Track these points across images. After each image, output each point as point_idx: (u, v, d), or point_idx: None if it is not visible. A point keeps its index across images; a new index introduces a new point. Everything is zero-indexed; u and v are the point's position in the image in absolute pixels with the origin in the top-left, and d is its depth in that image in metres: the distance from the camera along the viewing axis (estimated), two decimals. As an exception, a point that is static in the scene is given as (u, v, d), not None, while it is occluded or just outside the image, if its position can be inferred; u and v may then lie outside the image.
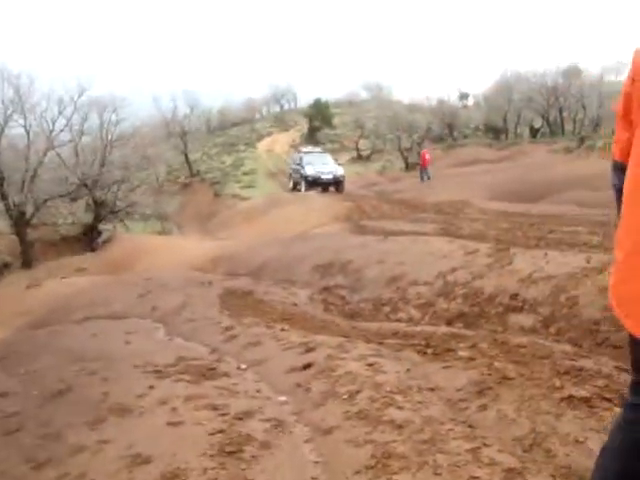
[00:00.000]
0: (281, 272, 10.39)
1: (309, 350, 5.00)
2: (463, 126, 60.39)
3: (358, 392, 3.82)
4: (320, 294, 8.74)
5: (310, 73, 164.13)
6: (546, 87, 48.03)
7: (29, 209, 23.14)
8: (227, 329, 6.43)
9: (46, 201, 23.83)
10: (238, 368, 5.03)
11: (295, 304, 7.97)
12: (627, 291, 1.78)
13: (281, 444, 3.28)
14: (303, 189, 29.04)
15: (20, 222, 22.70)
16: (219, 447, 3.21)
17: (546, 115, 49.46)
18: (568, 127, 50.07)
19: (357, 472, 2.84)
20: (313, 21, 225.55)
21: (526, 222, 12.65)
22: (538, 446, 2.94)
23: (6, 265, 22.07)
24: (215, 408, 3.83)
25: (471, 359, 4.31)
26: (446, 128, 56.87)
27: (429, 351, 4.72)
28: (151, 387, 4.46)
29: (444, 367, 4.27)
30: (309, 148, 36.15)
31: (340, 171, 29.63)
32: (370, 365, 4.36)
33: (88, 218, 26.27)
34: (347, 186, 29.74)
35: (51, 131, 26.07)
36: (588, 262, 6.51)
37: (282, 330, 5.94)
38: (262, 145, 62.85)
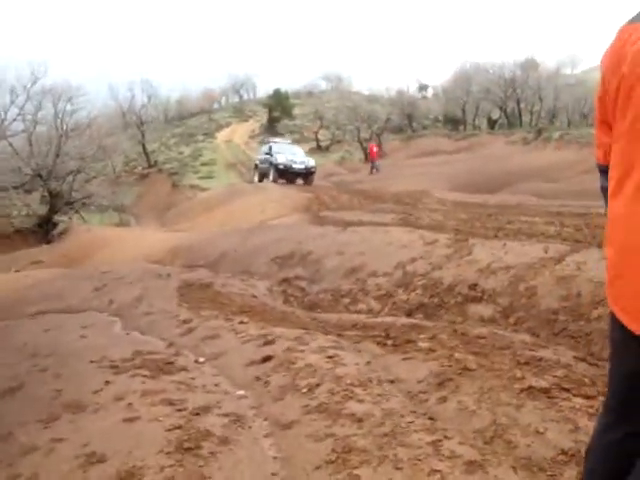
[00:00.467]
0: (240, 263, 10.29)
1: (268, 343, 4.93)
2: (422, 117, 60.91)
3: (318, 385, 3.78)
4: (279, 285, 8.68)
5: (269, 63, 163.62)
6: (504, 79, 48.71)
7: (-20, 201, 22.63)
8: (185, 322, 6.32)
9: (-2, 192, 23.33)
10: (196, 362, 4.94)
11: (254, 296, 7.89)
12: (621, 286, 1.78)
13: (240, 440, 3.22)
14: (271, 178, 27.18)
15: (-29, 214, 22.18)
16: (176, 444, 3.13)
17: (504, 107, 50.14)
18: (525, 119, 50.88)
19: (317, 467, 2.80)
20: (272, 11, 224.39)
21: (484, 213, 12.76)
22: (499, 438, 2.94)
23: (-43, 258, 21.50)
24: (172, 403, 3.74)
25: (431, 350, 4.30)
26: (405, 119, 57.21)
27: (389, 342, 4.71)
28: (107, 382, 4.34)
29: (404, 359, 4.25)
30: (277, 139, 33.94)
31: (312, 162, 28.07)
32: (330, 357, 4.32)
33: (43, 210, 25.77)
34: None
35: (3, 120, 25.47)
36: (546, 252, 6.57)
37: (241, 323, 5.86)
38: (221, 135, 62.42)
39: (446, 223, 11.38)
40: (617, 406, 1.96)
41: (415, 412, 3.31)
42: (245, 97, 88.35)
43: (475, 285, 6.42)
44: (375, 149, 36.85)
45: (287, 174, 27.01)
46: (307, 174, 27.23)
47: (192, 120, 73.02)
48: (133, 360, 4.97)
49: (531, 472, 2.63)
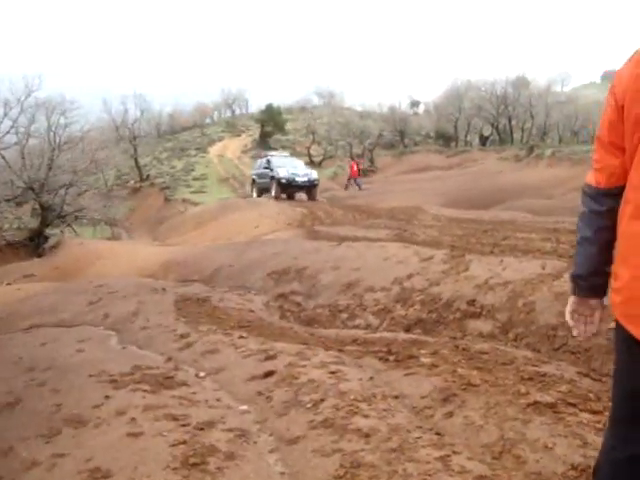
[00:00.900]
0: (235, 278, 10.27)
1: (269, 358, 4.91)
2: (414, 133, 61.21)
3: (322, 400, 3.76)
4: (276, 301, 8.65)
5: (262, 78, 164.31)
6: (496, 96, 49.10)
7: (-28, 213, 22.52)
8: (183, 337, 6.28)
9: (-10, 205, 23.22)
10: (196, 376, 4.91)
11: (252, 311, 7.86)
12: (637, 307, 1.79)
13: (246, 455, 3.20)
14: (273, 193, 25.71)
15: (-37, 227, 22.06)
16: (182, 459, 3.10)
17: (495, 123, 50.51)
18: (516, 135, 51.25)
19: (326, 482, 2.78)
20: (265, 27, 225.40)
21: (479, 229, 12.80)
22: (507, 453, 2.93)
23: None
24: (175, 418, 3.72)
25: (434, 366, 4.29)
26: (397, 135, 57.50)
27: (391, 358, 4.70)
28: (107, 397, 4.31)
29: (407, 374, 4.24)
30: (274, 152, 32.43)
31: (314, 174, 26.67)
32: (332, 373, 4.31)
33: (34, 223, 25.64)
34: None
35: (-4, 133, 25.45)
36: (543, 268, 6.60)
37: (240, 337, 5.83)
38: (213, 150, 62.47)
39: (441, 239, 11.40)
40: (622, 426, 1.96)
41: (421, 427, 3.30)
42: (237, 112, 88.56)
43: (474, 301, 6.42)
44: (356, 167, 36.90)
45: (290, 188, 25.86)
46: (310, 187, 26.09)
47: (184, 134, 73.07)
48: (132, 375, 4.94)
49: (542, 487, 2.63)
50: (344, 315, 7.49)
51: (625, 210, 1.83)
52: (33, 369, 5.53)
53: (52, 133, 27.94)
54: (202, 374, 4.97)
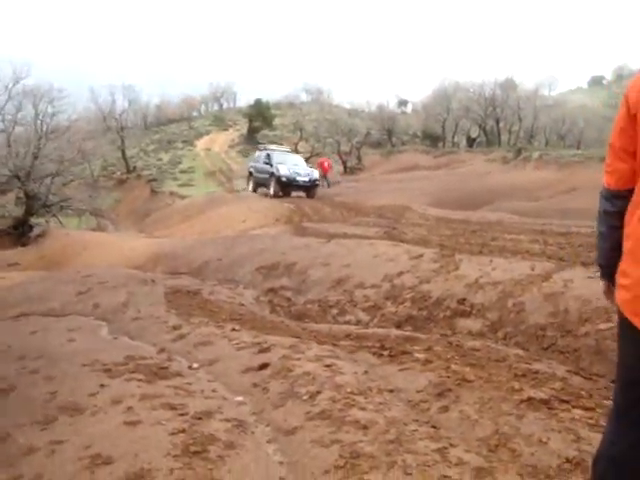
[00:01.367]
0: (223, 272, 10.29)
1: (263, 350, 4.95)
2: (402, 132, 61.37)
3: (318, 393, 3.81)
4: (266, 295, 8.69)
5: (250, 73, 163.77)
6: (484, 97, 49.31)
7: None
8: (175, 328, 6.30)
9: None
10: (190, 368, 4.94)
11: (242, 304, 7.89)
12: None
13: (245, 444, 3.24)
14: (272, 191, 24.39)
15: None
16: (182, 447, 3.14)
17: (483, 125, 50.73)
18: (504, 137, 51.49)
19: (326, 472, 2.83)
20: (254, 21, 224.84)
21: (468, 229, 12.91)
22: (503, 446, 3.00)
23: None
24: (173, 407, 3.75)
25: (428, 361, 4.36)
26: (385, 134, 57.62)
27: (385, 353, 4.75)
28: (102, 386, 4.32)
29: (401, 369, 4.30)
30: (274, 146, 29.93)
31: (315, 174, 25.48)
32: (327, 366, 4.35)
33: (19, 211, 25.46)
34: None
35: (-19, 120, 25.23)
36: (533, 269, 6.69)
37: (233, 330, 5.86)
38: (200, 144, 62.37)
39: (430, 238, 11.49)
40: (624, 419, 2.03)
41: (418, 420, 3.36)
42: (225, 106, 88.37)
43: (464, 300, 6.51)
44: (326, 164, 35.81)
45: (290, 187, 24.47)
46: (311, 187, 24.83)
47: (171, 127, 72.81)
48: (126, 364, 4.95)
49: (538, 479, 2.69)
50: (334, 311, 7.54)
51: (635, 212, 1.91)
52: (24, 357, 5.51)
53: (39, 121, 27.80)
54: (195, 365, 4.99)
